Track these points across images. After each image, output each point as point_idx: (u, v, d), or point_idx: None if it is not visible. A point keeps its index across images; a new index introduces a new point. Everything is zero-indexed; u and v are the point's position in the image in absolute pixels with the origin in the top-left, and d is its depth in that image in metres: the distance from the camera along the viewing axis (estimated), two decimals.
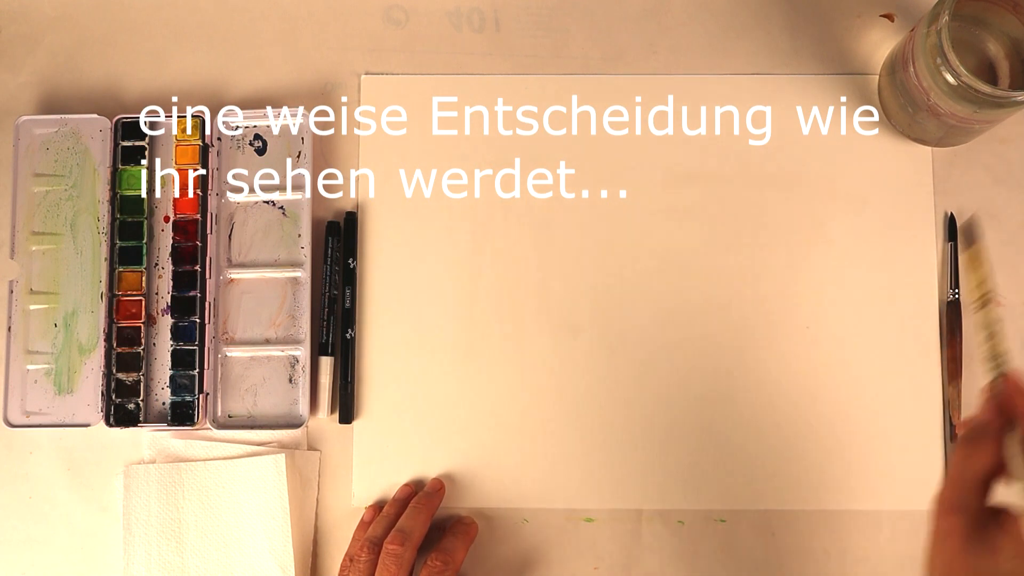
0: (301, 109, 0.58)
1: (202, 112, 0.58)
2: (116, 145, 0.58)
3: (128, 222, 0.57)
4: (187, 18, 0.60)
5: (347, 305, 0.57)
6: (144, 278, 0.57)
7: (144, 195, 0.57)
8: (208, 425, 0.56)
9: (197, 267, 0.57)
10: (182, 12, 0.60)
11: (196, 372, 0.56)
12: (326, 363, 0.57)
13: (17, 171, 0.58)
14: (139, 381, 0.56)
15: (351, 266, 0.58)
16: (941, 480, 0.40)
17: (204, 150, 0.58)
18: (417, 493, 0.55)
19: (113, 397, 0.56)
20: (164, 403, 0.57)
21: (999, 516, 0.38)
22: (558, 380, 0.57)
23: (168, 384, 0.56)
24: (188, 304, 0.57)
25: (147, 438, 0.57)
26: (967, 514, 0.38)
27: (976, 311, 0.45)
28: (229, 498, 0.55)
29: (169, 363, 0.56)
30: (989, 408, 0.40)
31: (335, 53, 0.60)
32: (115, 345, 0.56)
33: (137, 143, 0.58)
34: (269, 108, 0.58)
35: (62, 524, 0.56)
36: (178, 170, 0.57)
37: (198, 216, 0.57)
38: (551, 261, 0.58)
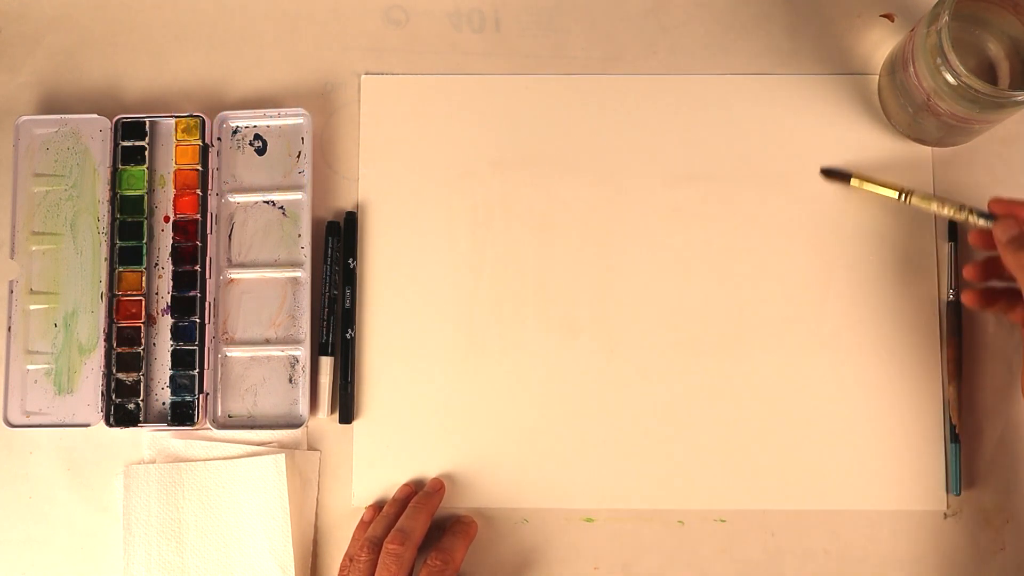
0: (301, 109, 0.58)
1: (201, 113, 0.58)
2: (116, 145, 0.58)
3: (128, 222, 0.57)
4: (187, 18, 0.60)
5: (347, 305, 0.57)
6: (144, 278, 0.57)
7: (144, 195, 0.57)
8: (208, 425, 0.56)
9: (197, 267, 0.57)
10: (182, 12, 0.60)
11: (196, 372, 0.56)
12: (326, 363, 0.57)
13: (17, 171, 0.58)
14: (139, 381, 0.56)
15: (351, 266, 0.58)
16: None
17: (204, 150, 0.58)
18: (417, 493, 0.55)
19: (113, 397, 0.56)
20: (164, 403, 0.57)
21: None
22: (558, 380, 0.57)
23: (168, 384, 0.56)
24: (188, 304, 0.57)
25: (147, 438, 0.57)
26: None
27: (910, 204, 0.52)
28: (229, 498, 0.55)
29: (169, 363, 0.56)
30: (1010, 214, 0.45)
31: (335, 53, 0.60)
32: (115, 345, 0.56)
33: (137, 143, 0.58)
34: (269, 108, 0.58)
35: (62, 524, 0.56)
36: (178, 170, 0.57)
37: (198, 216, 0.57)
38: (551, 261, 0.58)
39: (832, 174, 0.57)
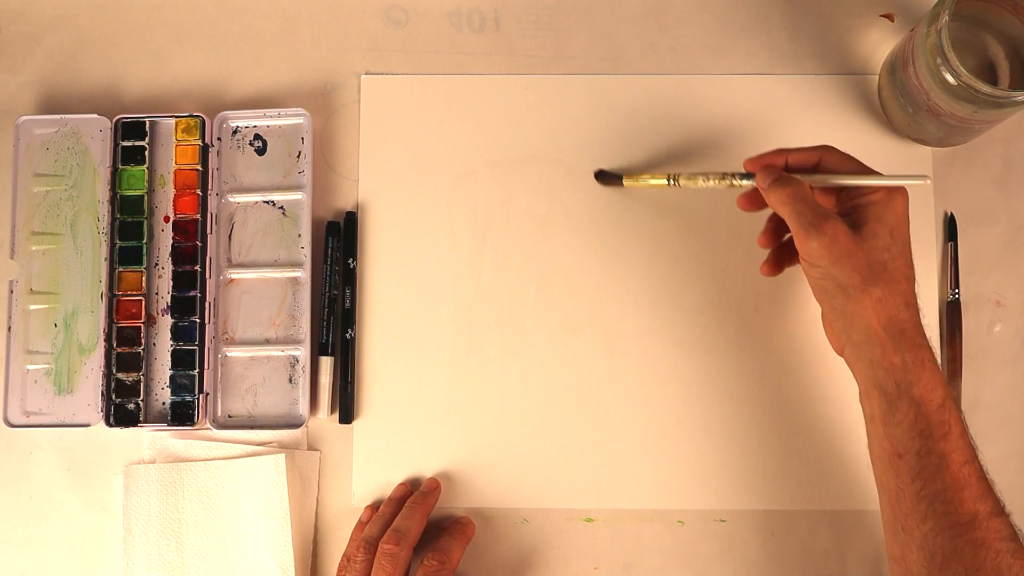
0: (301, 109, 0.58)
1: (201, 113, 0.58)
2: (116, 145, 0.58)
3: (128, 222, 0.57)
4: (187, 18, 0.60)
5: (347, 305, 0.57)
6: (144, 278, 0.57)
7: (144, 195, 0.57)
8: (208, 425, 0.56)
9: (197, 267, 0.57)
10: (182, 12, 0.60)
11: (196, 372, 0.56)
12: (326, 363, 0.57)
13: (17, 171, 0.58)
14: (139, 381, 0.56)
15: (351, 266, 0.58)
16: (798, 207, 0.46)
17: (204, 150, 0.58)
18: (413, 492, 0.55)
19: (113, 397, 0.56)
20: (164, 403, 0.57)
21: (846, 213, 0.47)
22: (558, 380, 0.57)
23: (168, 384, 0.56)
24: (188, 304, 0.57)
25: (147, 438, 0.57)
26: (837, 217, 0.46)
27: (680, 186, 0.53)
28: (229, 498, 0.55)
29: (169, 363, 0.56)
30: (767, 165, 0.49)
31: (335, 53, 0.60)
32: (115, 345, 0.56)
33: (137, 143, 0.58)
34: (269, 108, 0.58)
35: (62, 524, 0.56)
36: (178, 170, 0.58)
37: (198, 216, 0.57)
38: (551, 261, 0.58)
39: (604, 177, 0.57)
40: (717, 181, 0.52)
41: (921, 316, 0.46)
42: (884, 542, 0.55)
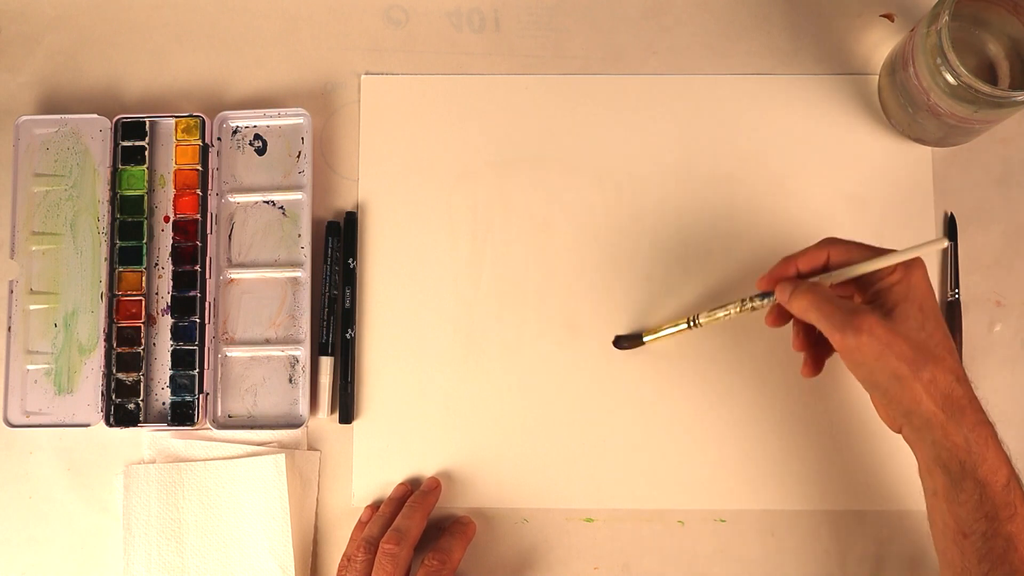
0: (301, 109, 0.58)
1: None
2: (116, 145, 0.58)
3: (128, 222, 0.57)
4: (187, 18, 0.60)
5: (347, 305, 0.57)
6: (144, 278, 0.57)
7: (144, 195, 0.57)
8: (208, 425, 0.56)
9: (197, 267, 0.57)
10: (182, 12, 0.60)
11: (196, 372, 0.56)
12: (326, 363, 0.57)
13: (17, 171, 0.58)
14: (139, 381, 0.56)
15: (351, 266, 0.58)
16: (824, 311, 0.46)
17: (204, 150, 0.58)
18: (413, 491, 0.55)
19: (113, 397, 0.56)
20: (164, 403, 0.57)
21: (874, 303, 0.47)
22: (558, 380, 0.57)
23: (168, 384, 0.56)
24: (188, 304, 0.57)
25: (147, 438, 0.57)
26: (866, 308, 0.45)
27: (700, 325, 0.53)
28: (229, 498, 0.55)
29: (169, 363, 0.56)
30: (780, 278, 0.49)
31: (335, 53, 0.60)
32: (115, 345, 0.56)
33: (137, 143, 0.58)
34: (269, 108, 0.58)
35: (62, 524, 0.56)
36: (178, 170, 0.58)
37: (198, 216, 0.57)
38: (551, 261, 0.58)
39: (624, 341, 0.56)
40: (737, 311, 0.51)
41: (975, 388, 0.45)
42: (885, 542, 0.55)
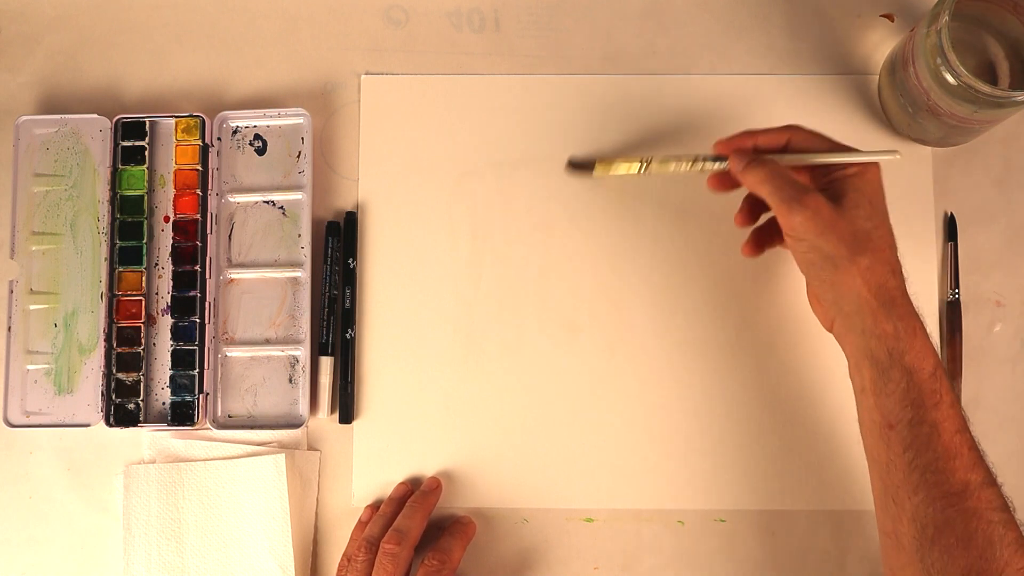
0: (301, 109, 0.58)
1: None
2: (116, 145, 0.58)
3: (128, 222, 0.57)
4: (187, 18, 0.60)
5: (347, 305, 0.57)
6: (144, 278, 0.57)
7: (144, 195, 0.57)
8: (208, 425, 0.56)
9: (197, 267, 0.57)
10: (182, 12, 0.60)
11: (196, 372, 0.56)
12: (326, 363, 0.57)
13: (17, 171, 0.58)
14: (139, 381, 0.56)
15: (351, 266, 0.58)
16: (776, 184, 0.47)
17: (204, 150, 0.58)
18: (413, 491, 0.55)
19: (113, 397, 0.56)
20: (164, 403, 0.57)
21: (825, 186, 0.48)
22: (558, 380, 0.57)
23: (168, 384, 0.56)
24: (188, 304, 0.57)
25: (147, 438, 0.57)
26: (817, 191, 0.46)
27: (650, 172, 0.54)
28: (229, 498, 0.55)
29: (169, 363, 0.56)
30: (738, 147, 0.50)
31: (335, 53, 0.60)
32: (115, 345, 0.56)
33: (137, 143, 0.58)
34: (269, 108, 0.58)
35: (62, 524, 0.56)
36: (178, 170, 0.58)
37: (198, 216, 0.57)
38: (551, 261, 0.58)
39: (576, 166, 0.57)
40: (689, 165, 0.52)
41: (908, 285, 0.46)
42: None
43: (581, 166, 0.57)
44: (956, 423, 0.43)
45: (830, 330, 0.48)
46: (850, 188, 0.47)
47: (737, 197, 0.54)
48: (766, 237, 0.54)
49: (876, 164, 0.48)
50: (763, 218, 0.54)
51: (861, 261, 0.45)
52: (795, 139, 0.50)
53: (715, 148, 0.51)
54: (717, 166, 0.51)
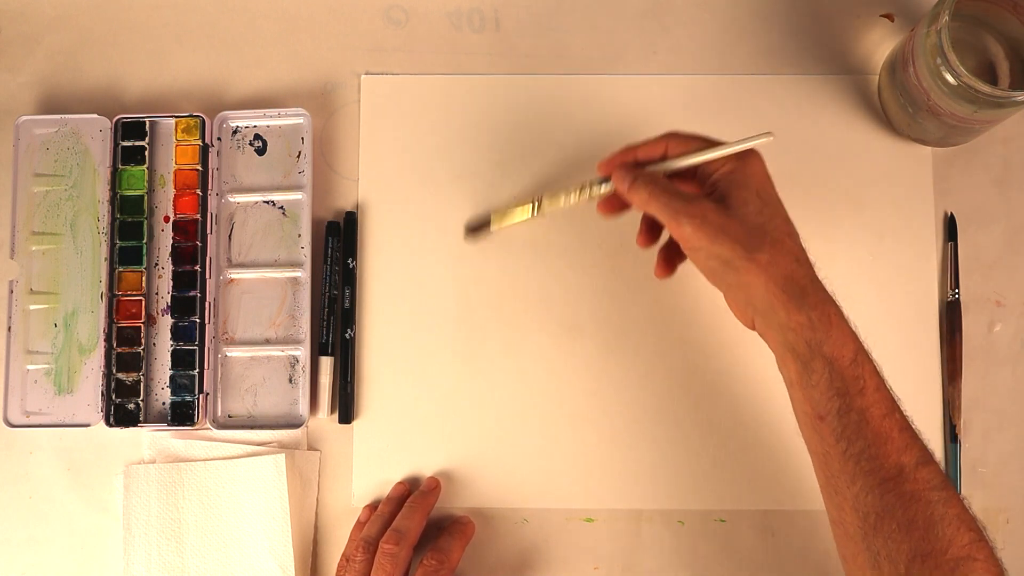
0: (301, 109, 0.58)
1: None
2: (116, 145, 0.58)
3: (128, 222, 0.57)
4: (187, 18, 0.60)
5: (347, 305, 0.57)
6: (144, 278, 0.57)
7: (144, 195, 0.57)
8: (208, 425, 0.56)
9: (197, 267, 0.57)
10: (182, 12, 0.60)
11: (196, 372, 0.56)
12: (326, 363, 0.57)
13: (17, 171, 0.58)
14: (139, 381, 0.56)
15: (351, 266, 0.58)
16: (662, 200, 0.46)
17: (204, 150, 0.58)
18: (412, 491, 0.55)
19: (113, 397, 0.56)
20: (164, 403, 0.57)
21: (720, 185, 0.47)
22: (558, 380, 0.57)
23: (168, 384, 0.56)
24: (188, 304, 0.57)
25: (147, 438, 0.57)
26: (703, 197, 0.46)
27: (543, 212, 0.53)
28: (229, 498, 0.55)
29: (169, 363, 0.56)
30: (619, 165, 0.49)
31: (335, 53, 0.60)
32: (115, 345, 0.56)
33: (137, 143, 0.58)
34: (269, 108, 0.58)
35: (62, 524, 0.56)
36: (178, 170, 0.58)
37: (198, 216, 0.57)
38: (551, 261, 0.58)
39: (473, 229, 0.57)
40: (577, 195, 0.51)
41: (817, 270, 0.45)
42: None
43: (478, 228, 0.57)
44: (884, 407, 0.43)
45: (753, 329, 0.47)
46: (733, 185, 0.46)
47: None
48: (673, 254, 0.52)
49: (756, 154, 0.47)
50: (664, 235, 0.53)
51: (760, 258, 0.44)
52: (671, 145, 0.48)
53: (599, 170, 0.51)
54: (605, 189, 0.50)
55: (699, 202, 0.45)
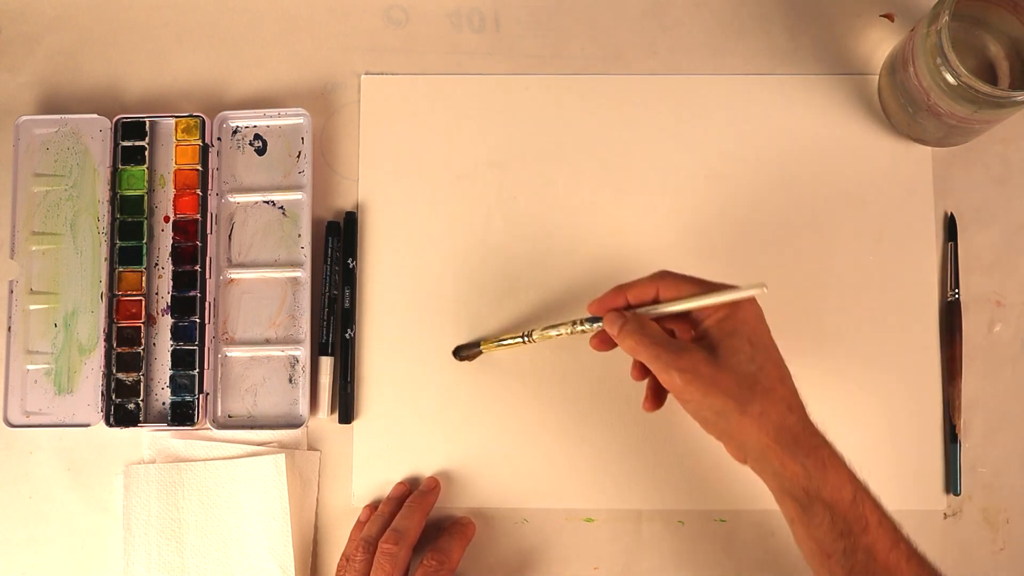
0: (301, 109, 0.58)
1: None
2: (116, 145, 0.58)
3: (128, 222, 0.57)
4: (187, 18, 0.60)
5: (347, 305, 0.57)
6: (144, 278, 0.57)
7: (144, 195, 0.57)
8: (208, 425, 0.56)
9: (197, 267, 0.57)
10: (182, 12, 0.60)
11: (196, 372, 0.56)
12: (326, 363, 0.57)
13: (17, 171, 0.58)
14: (139, 381, 0.56)
15: (351, 266, 0.58)
16: (651, 351, 0.45)
17: (204, 150, 0.58)
18: (412, 491, 0.55)
19: (113, 397, 0.56)
20: (164, 403, 0.57)
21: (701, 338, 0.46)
22: (559, 380, 0.57)
23: (168, 384, 0.56)
24: (188, 304, 0.57)
25: (147, 438, 0.57)
26: (693, 346, 0.45)
27: (534, 341, 0.52)
28: (229, 498, 0.55)
29: (169, 363, 0.56)
30: (610, 307, 0.48)
31: (335, 53, 0.60)
32: (115, 345, 0.56)
33: (137, 143, 0.58)
34: (269, 108, 0.58)
35: (62, 524, 0.56)
36: (178, 170, 0.58)
37: (198, 216, 0.57)
38: (550, 261, 0.58)
39: (462, 351, 0.56)
40: (569, 330, 0.51)
41: (809, 413, 0.45)
42: None
43: (467, 349, 0.56)
44: (888, 540, 0.43)
45: (745, 464, 0.46)
46: (725, 333, 0.45)
47: None
48: (662, 389, 0.50)
49: (749, 299, 0.46)
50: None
51: (752, 410, 0.43)
52: (663, 287, 0.47)
53: (589, 309, 0.50)
54: (595, 327, 0.49)
55: (689, 353, 0.44)
